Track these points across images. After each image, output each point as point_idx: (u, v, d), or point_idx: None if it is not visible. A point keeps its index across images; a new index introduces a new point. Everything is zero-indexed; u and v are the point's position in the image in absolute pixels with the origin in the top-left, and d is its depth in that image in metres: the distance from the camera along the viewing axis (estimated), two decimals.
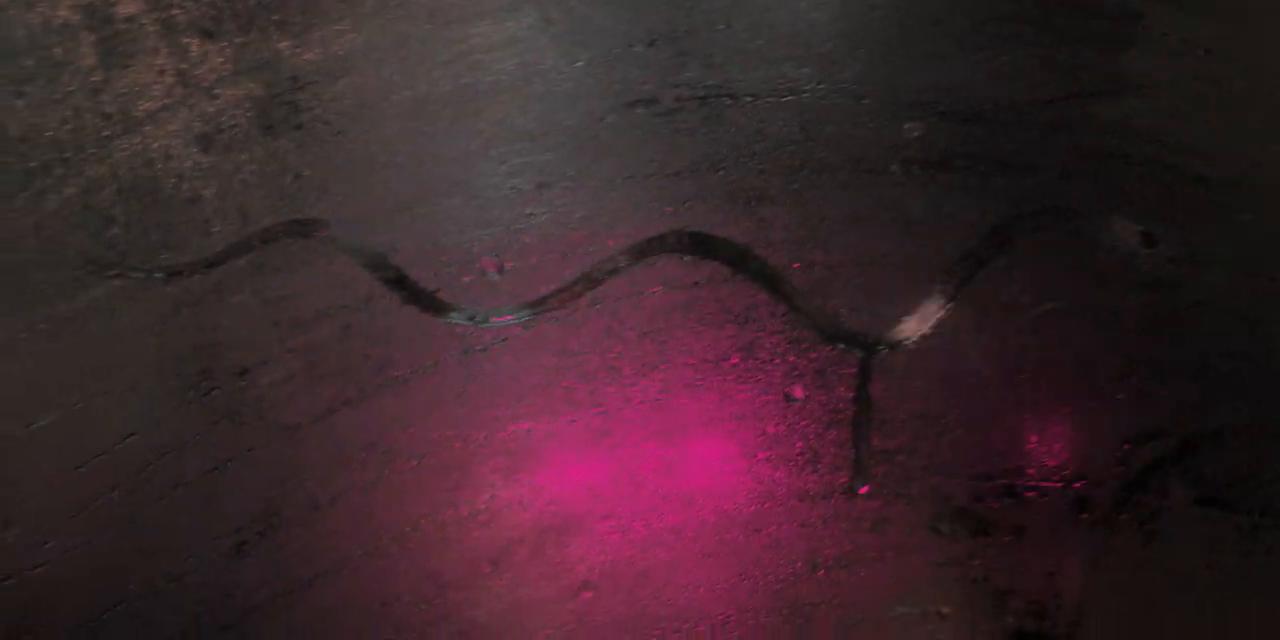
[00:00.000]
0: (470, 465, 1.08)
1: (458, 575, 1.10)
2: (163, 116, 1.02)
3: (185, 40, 1.01)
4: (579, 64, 1.03)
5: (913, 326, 1.07)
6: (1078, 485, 1.09)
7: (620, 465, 1.09)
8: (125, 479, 1.07)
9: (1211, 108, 1.05)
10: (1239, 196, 1.04)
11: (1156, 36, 1.04)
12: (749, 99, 1.04)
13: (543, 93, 1.04)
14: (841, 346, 1.07)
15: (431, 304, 1.06)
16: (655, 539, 1.10)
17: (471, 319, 1.06)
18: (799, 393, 1.08)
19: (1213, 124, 1.05)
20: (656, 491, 1.09)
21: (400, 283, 1.06)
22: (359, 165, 1.04)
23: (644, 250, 1.06)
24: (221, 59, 1.02)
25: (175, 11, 1.00)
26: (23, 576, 1.07)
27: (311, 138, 1.04)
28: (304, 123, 1.03)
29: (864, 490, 1.09)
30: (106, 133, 1.02)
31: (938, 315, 1.07)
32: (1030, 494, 1.09)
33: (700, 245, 1.06)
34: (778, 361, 1.08)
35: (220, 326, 1.06)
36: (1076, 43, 1.03)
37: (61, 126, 1.02)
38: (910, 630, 1.11)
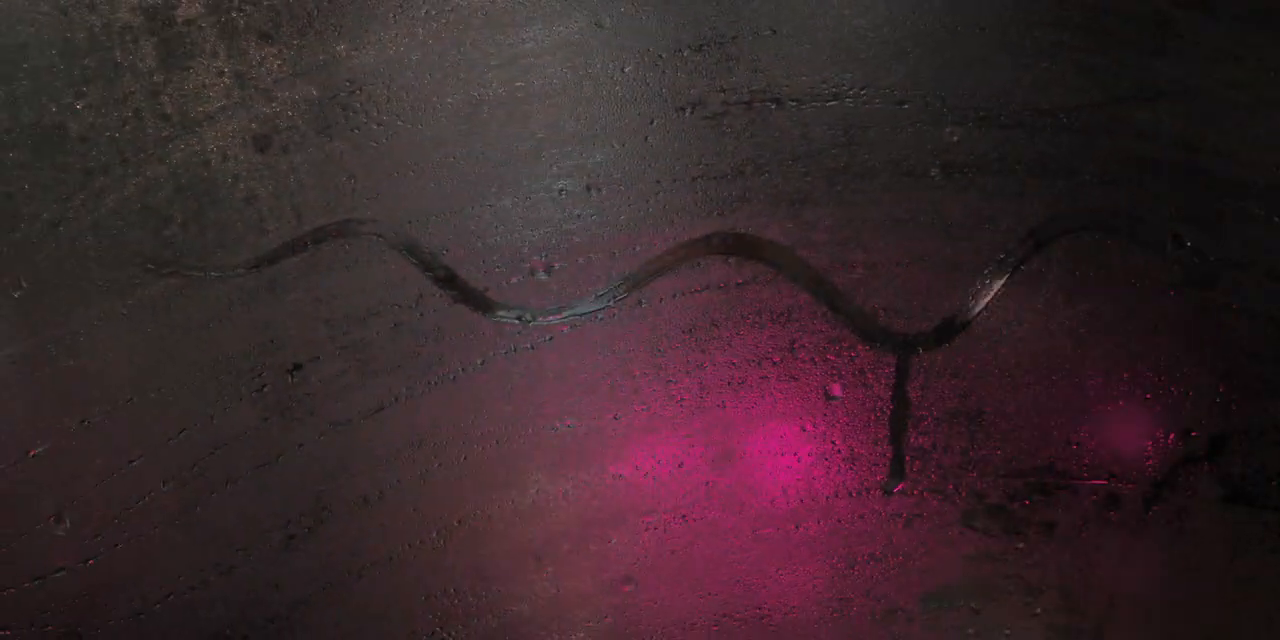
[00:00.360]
0: (516, 461, 1.10)
1: (502, 569, 1.12)
2: (220, 118, 1.04)
3: (243, 43, 1.03)
4: (628, 68, 1.06)
5: (950, 327, 1.10)
6: (1108, 483, 1.12)
7: (662, 462, 1.12)
8: (177, 473, 1.09)
9: (1243, 113, 1.07)
10: (1271, 202, 1.07)
11: (1189, 43, 1.06)
12: (793, 103, 1.07)
13: (592, 96, 1.06)
14: (880, 346, 1.10)
15: (480, 303, 1.08)
16: (695, 534, 1.13)
17: (519, 318, 1.08)
18: (838, 391, 1.10)
19: (1244, 129, 1.07)
20: (697, 488, 1.12)
21: (450, 282, 1.08)
22: (411, 167, 1.06)
23: (689, 251, 1.08)
24: (279, 62, 1.04)
25: (234, 14, 1.02)
26: (75, 569, 1.09)
27: (366, 139, 1.06)
28: (359, 124, 1.05)
29: (899, 488, 1.11)
30: (165, 133, 1.04)
31: (974, 316, 1.10)
32: (1062, 492, 1.12)
33: (744, 247, 1.08)
34: (818, 360, 1.10)
35: (273, 324, 1.08)
36: (1112, 48, 1.06)
37: (121, 127, 1.04)
38: (943, 624, 1.14)
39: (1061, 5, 1.05)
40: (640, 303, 1.09)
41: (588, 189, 1.07)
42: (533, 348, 1.09)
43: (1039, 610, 1.14)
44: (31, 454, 1.09)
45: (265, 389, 1.09)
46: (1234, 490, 1.12)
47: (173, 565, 1.11)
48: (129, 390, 1.08)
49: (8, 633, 1.08)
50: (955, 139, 1.08)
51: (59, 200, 1.04)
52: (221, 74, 1.04)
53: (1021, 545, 1.13)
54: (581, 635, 1.14)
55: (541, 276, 1.08)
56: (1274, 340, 1.09)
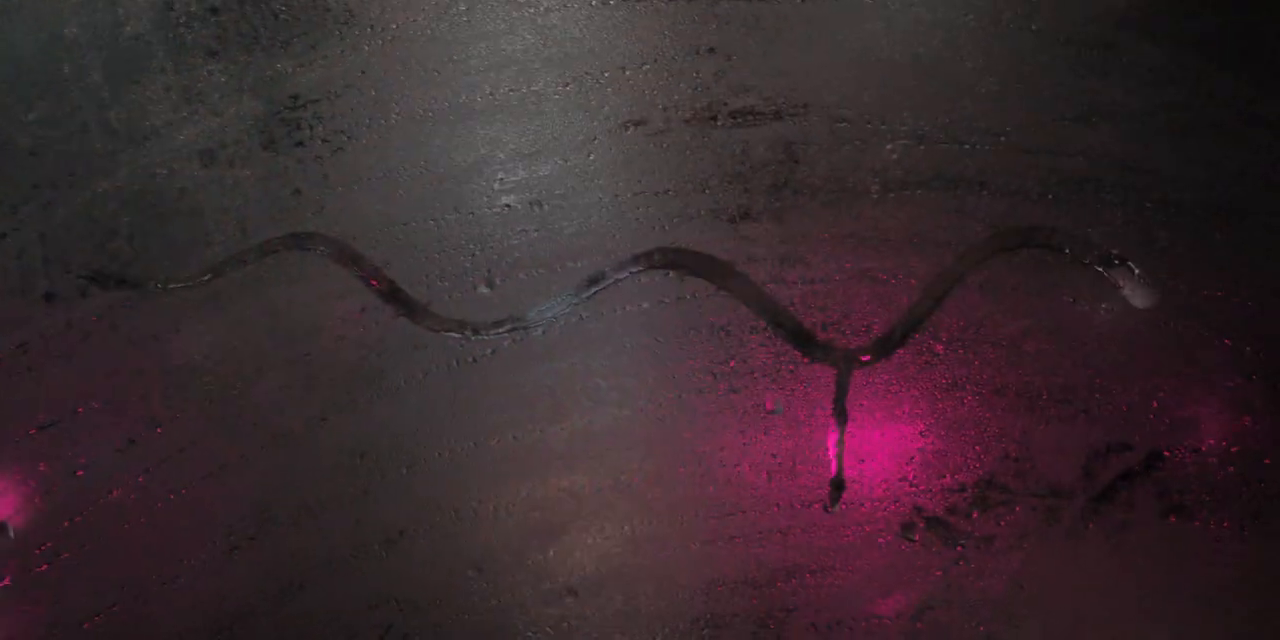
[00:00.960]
0: (458, 473, 1.11)
1: (442, 579, 1.13)
2: (167, 132, 1.06)
3: (191, 58, 1.04)
4: (570, 86, 1.07)
5: (889, 342, 1.11)
6: (1047, 497, 1.13)
7: (604, 473, 1.13)
8: (123, 483, 1.10)
9: (1178, 135, 1.09)
10: (1203, 220, 1.08)
11: (1127, 65, 1.08)
12: (734, 121, 1.08)
13: (535, 112, 1.08)
14: (820, 361, 1.11)
15: (424, 316, 1.09)
16: (637, 546, 1.13)
17: (463, 331, 1.10)
18: (778, 405, 1.12)
19: (1179, 150, 1.09)
20: (639, 499, 1.13)
21: (393, 295, 1.09)
22: (356, 181, 1.08)
23: (631, 266, 1.09)
24: (225, 77, 1.05)
25: (181, 30, 1.04)
26: (20, 577, 1.10)
27: (310, 154, 1.07)
28: (303, 140, 1.07)
29: (840, 501, 1.12)
30: (112, 147, 1.05)
31: (913, 331, 1.11)
32: (1000, 506, 1.13)
33: (685, 262, 1.09)
34: (758, 375, 1.11)
35: (219, 337, 1.09)
36: (1056, 70, 1.08)
37: (69, 141, 1.05)
38: (883, 635, 1.14)
39: (998, 26, 1.06)
40: (582, 317, 1.10)
41: (531, 204, 1.09)
42: (475, 361, 1.10)
43: (979, 625, 1.15)
44: None
45: (211, 400, 1.10)
46: (1171, 504, 1.13)
47: (117, 575, 1.11)
48: (76, 401, 1.09)
49: None
50: (895, 156, 1.09)
51: (6, 212, 1.05)
52: (169, 89, 1.05)
53: (961, 559, 1.14)
54: None
55: (484, 290, 1.09)
56: (1209, 356, 1.10)
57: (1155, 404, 1.12)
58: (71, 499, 1.10)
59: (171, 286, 1.08)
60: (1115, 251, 1.10)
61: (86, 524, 1.10)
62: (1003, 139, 1.09)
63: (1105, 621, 1.14)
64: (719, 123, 1.08)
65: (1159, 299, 1.10)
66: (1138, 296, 1.11)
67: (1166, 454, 1.12)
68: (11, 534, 1.10)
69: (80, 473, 1.10)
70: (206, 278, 1.08)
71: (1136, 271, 1.10)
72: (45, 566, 1.10)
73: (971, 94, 1.08)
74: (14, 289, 1.06)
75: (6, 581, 1.10)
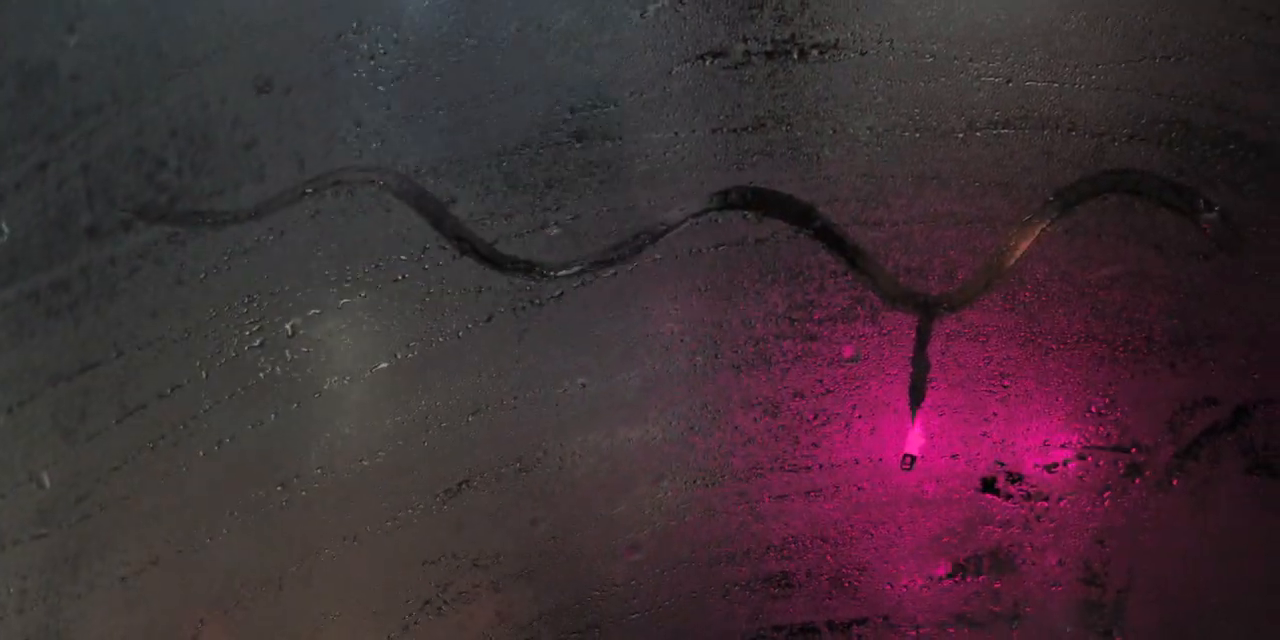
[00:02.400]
0: (523, 422, 1.06)
1: (504, 533, 1.08)
2: (219, 58, 1.00)
3: None
4: (648, 13, 1.02)
5: (973, 289, 1.07)
6: (1131, 452, 1.09)
7: (673, 423, 1.08)
8: (167, 432, 1.05)
9: (1274, 74, 1.05)
10: None
11: (1220, 2, 1.04)
12: (817, 55, 1.03)
13: (609, 42, 1.02)
14: (901, 308, 1.06)
15: (489, 256, 1.04)
16: (708, 500, 1.09)
17: (529, 273, 1.04)
18: (856, 353, 1.07)
19: (1275, 91, 1.05)
20: (711, 452, 1.08)
21: (457, 234, 1.04)
22: (419, 113, 1.02)
23: (707, 206, 1.04)
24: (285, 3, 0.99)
25: None
26: (60, 531, 1.05)
27: (373, 84, 1.01)
28: (365, 67, 1.01)
29: (918, 453, 1.08)
30: (161, 72, 0.99)
31: (998, 278, 1.07)
32: (1084, 460, 1.09)
33: (763, 202, 1.04)
34: (837, 322, 1.07)
35: (270, 277, 1.03)
36: (1146, 5, 1.03)
37: (114, 65, 0.99)
38: (960, 596, 1.10)
39: None
40: (655, 258, 1.05)
41: (603, 140, 1.03)
42: (542, 304, 1.05)
43: (1055, 584, 1.11)
44: (11, 412, 1.05)
45: (261, 345, 1.04)
46: (1256, 461, 1.09)
47: (158, 530, 1.06)
48: (118, 345, 1.03)
49: None
50: (981, 95, 1.04)
51: (45, 141, 0.99)
52: (222, 11, 0.99)
53: (1041, 515, 1.10)
54: (584, 603, 1.10)
55: (553, 230, 1.04)
56: None
57: (1243, 357, 1.08)
58: (113, 447, 1.04)
59: (222, 222, 1.02)
60: (1205, 197, 1.06)
61: (128, 475, 1.04)
62: (1093, 78, 1.04)
63: (1187, 578, 1.10)
64: (801, 57, 1.03)
65: (1249, 247, 1.06)
66: (1227, 244, 1.07)
67: (1254, 409, 1.09)
68: (49, 484, 1.04)
69: (120, 421, 1.04)
70: (258, 213, 1.02)
71: (1227, 218, 1.06)
72: (85, 519, 1.05)
73: (1060, 31, 1.04)
74: (54, 223, 1.00)
75: (46, 534, 1.04)
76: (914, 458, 1.08)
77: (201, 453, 1.05)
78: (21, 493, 1.05)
